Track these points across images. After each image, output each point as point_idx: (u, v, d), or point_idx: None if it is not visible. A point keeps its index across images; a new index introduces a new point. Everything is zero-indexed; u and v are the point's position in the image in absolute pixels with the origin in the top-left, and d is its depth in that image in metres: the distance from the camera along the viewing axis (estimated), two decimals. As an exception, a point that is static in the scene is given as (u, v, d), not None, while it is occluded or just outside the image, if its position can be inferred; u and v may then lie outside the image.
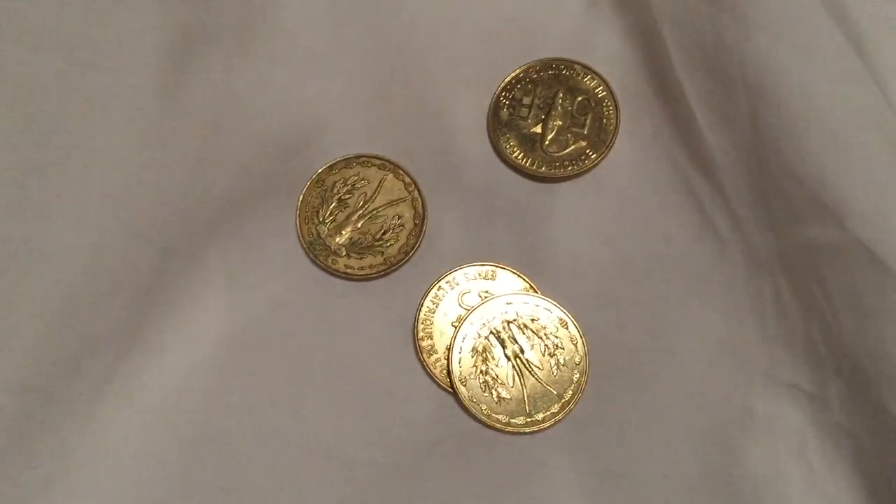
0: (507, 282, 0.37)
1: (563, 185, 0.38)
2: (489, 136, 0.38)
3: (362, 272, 0.37)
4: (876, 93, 0.31)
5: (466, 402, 0.35)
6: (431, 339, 0.36)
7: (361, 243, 0.37)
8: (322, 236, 0.37)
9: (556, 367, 0.36)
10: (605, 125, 0.37)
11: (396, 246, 0.37)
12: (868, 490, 0.33)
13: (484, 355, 0.36)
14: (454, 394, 0.36)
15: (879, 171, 0.30)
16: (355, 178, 0.37)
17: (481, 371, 0.36)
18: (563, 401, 0.35)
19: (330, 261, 0.37)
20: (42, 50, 0.33)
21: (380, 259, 0.37)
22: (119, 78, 0.33)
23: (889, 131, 0.31)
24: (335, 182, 0.37)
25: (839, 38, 0.31)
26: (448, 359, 0.36)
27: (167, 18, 0.34)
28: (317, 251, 0.37)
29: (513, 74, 0.38)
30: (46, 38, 0.33)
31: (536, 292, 0.37)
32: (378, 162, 0.37)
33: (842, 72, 0.31)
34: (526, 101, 0.38)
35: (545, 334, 0.36)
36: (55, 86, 0.33)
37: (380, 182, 0.37)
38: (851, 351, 0.32)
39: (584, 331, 0.36)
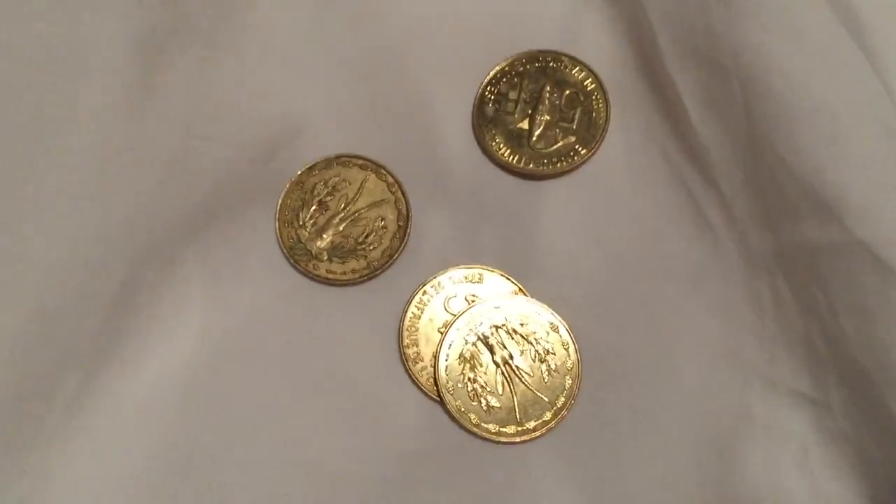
0: (495, 285, 0.36)
1: (552, 182, 0.37)
2: (474, 133, 0.37)
3: (345, 277, 0.36)
4: (875, 83, 0.30)
5: (454, 412, 0.35)
6: (417, 346, 0.36)
7: (343, 247, 0.36)
8: (303, 240, 0.36)
9: (547, 373, 0.35)
10: (595, 119, 0.37)
11: (380, 249, 0.36)
12: (873, 500, 0.33)
13: (472, 362, 0.35)
14: (442, 403, 0.35)
15: (879, 165, 0.30)
16: (336, 179, 0.37)
17: (469, 379, 0.35)
18: (555, 408, 0.35)
19: (311, 265, 0.36)
20: (5, 55, 0.32)
21: (363, 263, 0.36)
22: (87, 82, 0.33)
23: (888, 123, 0.30)
24: (315, 184, 0.37)
25: (836, 26, 0.31)
26: (434, 367, 0.35)
27: (135, 20, 0.33)
28: (297, 256, 0.36)
29: (498, 68, 0.37)
30: (10, 43, 0.32)
31: (525, 295, 0.36)
32: (359, 162, 0.37)
33: (839, 61, 0.30)
34: (512, 95, 0.37)
35: (535, 339, 0.35)
36: (20, 91, 0.32)
37: (361, 183, 0.37)
38: (853, 354, 0.31)
39: (576, 335, 0.35)
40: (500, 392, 0.35)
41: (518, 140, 0.37)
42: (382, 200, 0.36)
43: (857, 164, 0.30)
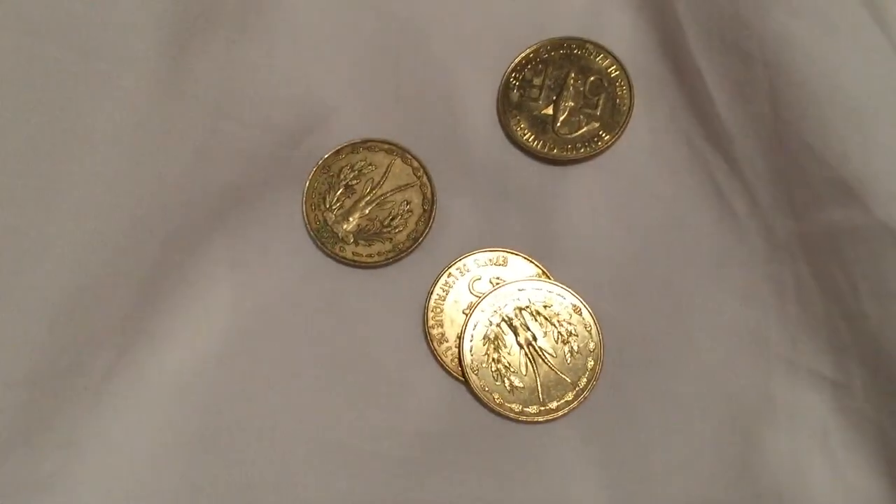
0: (519, 268, 0.36)
1: (576, 167, 0.37)
2: (499, 119, 0.37)
3: (370, 259, 0.36)
4: (901, 68, 0.30)
5: (478, 392, 0.35)
6: (442, 327, 0.36)
7: (369, 230, 0.36)
8: (329, 223, 0.36)
9: (569, 354, 0.35)
10: (619, 106, 0.36)
11: (405, 232, 0.36)
12: (894, 480, 0.33)
13: (496, 343, 0.35)
14: (466, 383, 0.35)
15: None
16: (362, 163, 0.37)
17: (493, 359, 0.35)
18: (577, 389, 0.35)
19: (337, 248, 0.36)
20: (39, 36, 0.32)
21: (388, 246, 0.36)
22: (118, 64, 0.32)
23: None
24: (342, 168, 0.37)
25: (862, 12, 0.30)
26: (459, 347, 0.35)
27: (166, 2, 0.33)
28: (324, 238, 0.36)
29: (523, 54, 0.37)
30: (44, 24, 0.32)
31: (549, 278, 0.36)
32: (385, 146, 0.37)
33: (865, 46, 0.30)
34: (536, 81, 0.37)
35: (558, 321, 0.35)
36: (53, 73, 0.32)
37: (387, 167, 0.37)
38: (876, 337, 0.32)
39: (599, 317, 0.35)
40: (524, 372, 0.35)
41: (542, 126, 0.37)
42: (408, 184, 0.37)
43: (882, 148, 0.30)
